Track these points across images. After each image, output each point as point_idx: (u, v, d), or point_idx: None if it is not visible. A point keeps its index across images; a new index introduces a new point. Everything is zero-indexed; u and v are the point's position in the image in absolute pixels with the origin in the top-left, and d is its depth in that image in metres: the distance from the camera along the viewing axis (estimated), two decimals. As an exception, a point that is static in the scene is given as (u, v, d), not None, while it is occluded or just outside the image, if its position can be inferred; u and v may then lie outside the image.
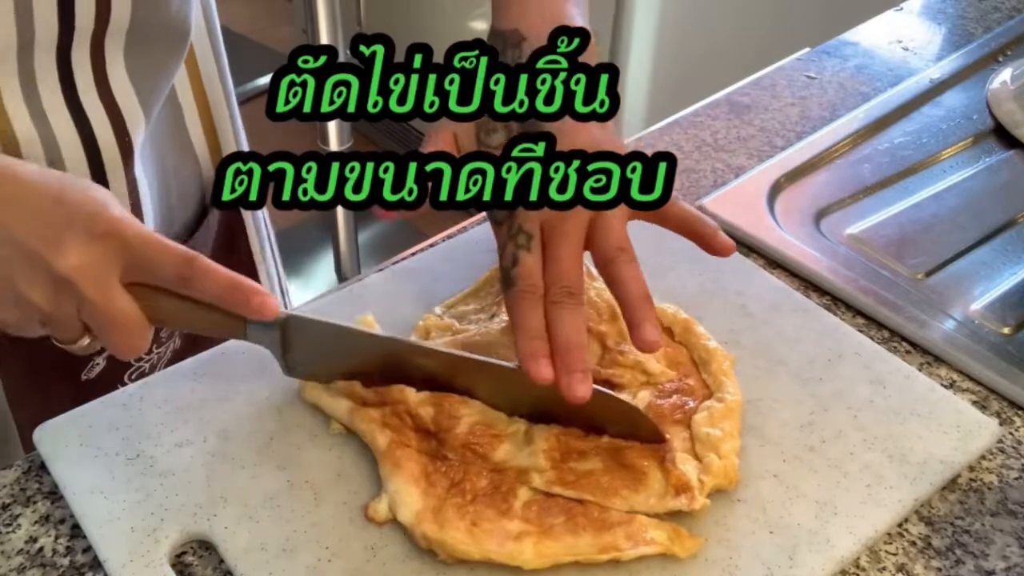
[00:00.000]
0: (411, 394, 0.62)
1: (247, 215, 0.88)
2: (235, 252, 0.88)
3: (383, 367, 0.62)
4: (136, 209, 0.73)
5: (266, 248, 0.93)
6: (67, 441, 0.62)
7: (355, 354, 0.62)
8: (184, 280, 0.54)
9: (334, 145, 2.12)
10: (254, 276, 0.93)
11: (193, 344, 0.86)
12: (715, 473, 0.59)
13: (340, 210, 2.23)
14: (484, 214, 0.84)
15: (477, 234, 0.80)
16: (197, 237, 0.81)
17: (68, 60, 0.65)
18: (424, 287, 0.74)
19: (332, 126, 2.09)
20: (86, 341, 0.56)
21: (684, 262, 0.76)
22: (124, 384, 0.80)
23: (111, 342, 0.55)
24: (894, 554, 0.60)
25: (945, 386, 0.69)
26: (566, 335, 0.58)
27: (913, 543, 0.60)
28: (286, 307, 0.97)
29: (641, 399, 0.63)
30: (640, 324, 0.58)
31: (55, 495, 0.61)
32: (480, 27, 2.29)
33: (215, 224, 0.83)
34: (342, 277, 2.37)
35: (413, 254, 0.79)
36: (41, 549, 0.58)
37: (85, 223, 0.52)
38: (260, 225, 0.92)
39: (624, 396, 0.63)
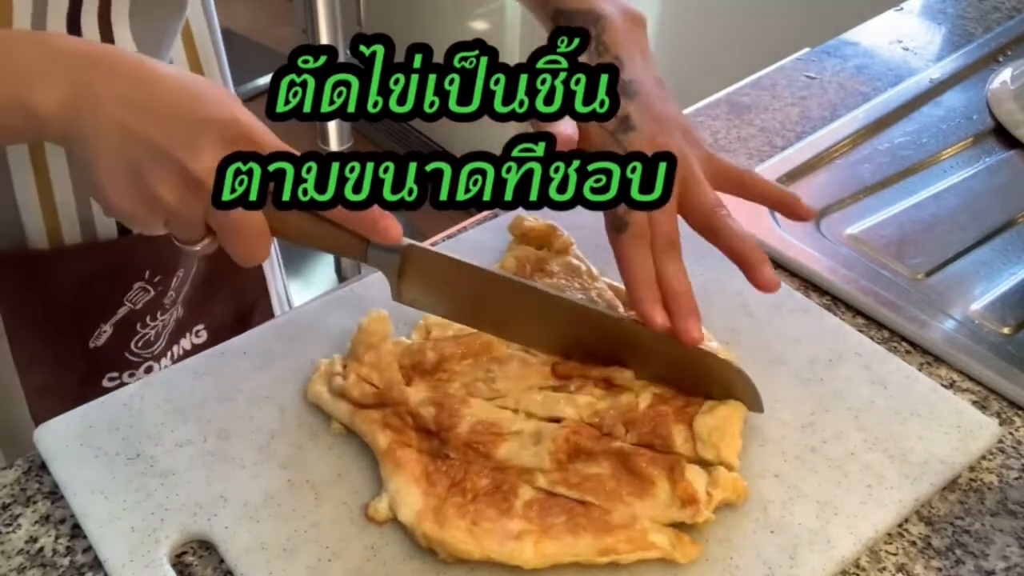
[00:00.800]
0: (412, 394, 0.62)
1: None
2: (233, 263, 0.89)
3: (492, 305, 0.63)
4: None
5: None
6: (67, 441, 0.62)
7: (465, 289, 0.63)
8: None
9: (334, 145, 2.12)
10: (261, 275, 0.93)
11: (196, 313, 0.86)
12: (724, 487, 0.59)
13: (340, 210, 2.23)
14: (484, 214, 0.84)
15: (481, 234, 0.80)
16: None
17: (78, 25, 0.66)
18: (427, 287, 0.73)
19: (332, 126, 2.09)
20: (205, 242, 0.57)
21: (686, 261, 0.76)
22: (131, 351, 0.80)
23: (232, 246, 0.56)
24: (894, 554, 0.60)
25: (945, 386, 0.69)
26: (678, 281, 0.62)
27: (913, 543, 0.60)
28: (289, 306, 0.97)
29: (643, 399, 0.63)
30: (757, 266, 0.63)
31: (55, 495, 0.61)
32: (480, 27, 2.29)
33: None
34: (342, 277, 2.37)
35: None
36: (41, 549, 0.58)
37: (220, 127, 0.52)
38: None
39: (626, 397, 0.63)
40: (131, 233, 0.76)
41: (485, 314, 0.63)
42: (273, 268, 0.95)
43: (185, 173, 0.52)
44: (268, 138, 0.54)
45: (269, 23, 3.22)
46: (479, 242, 0.78)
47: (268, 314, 0.94)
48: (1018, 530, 0.61)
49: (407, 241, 0.59)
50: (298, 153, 0.54)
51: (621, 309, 0.68)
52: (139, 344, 0.81)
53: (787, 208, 0.68)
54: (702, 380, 0.63)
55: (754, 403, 0.64)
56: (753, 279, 0.64)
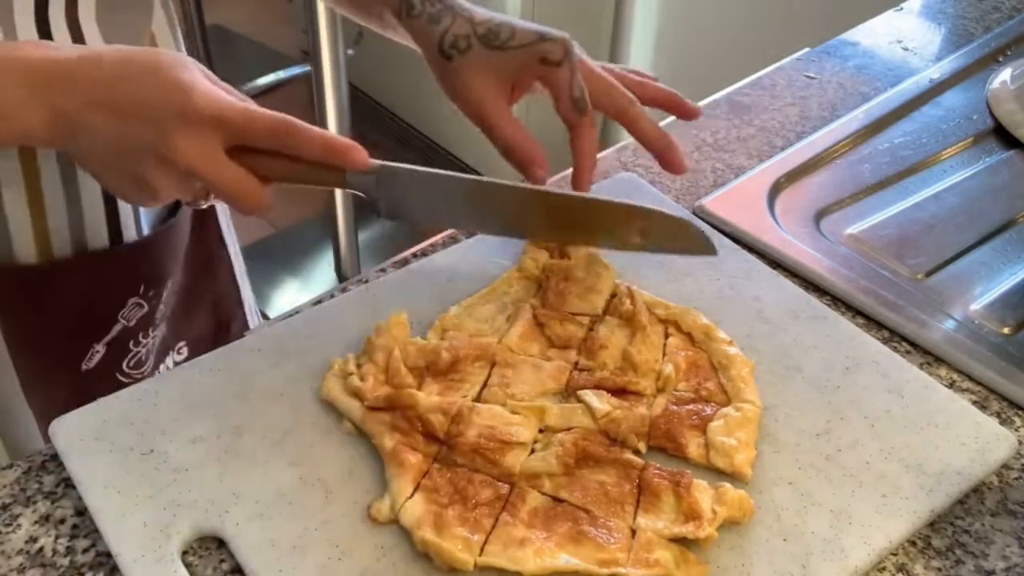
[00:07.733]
0: (422, 399, 0.62)
1: (225, 228, 0.90)
2: (211, 272, 0.90)
3: (469, 207, 0.69)
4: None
5: (238, 266, 0.95)
6: (82, 435, 0.62)
7: (441, 195, 0.68)
8: (281, 145, 0.59)
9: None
10: (236, 287, 0.94)
11: (177, 331, 0.87)
12: (730, 505, 0.58)
13: (340, 210, 2.23)
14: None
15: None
16: (170, 231, 0.82)
17: (47, 23, 0.67)
18: (441, 287, 0.74)
19: (332, 126, 2.08)
20: (211, 200, 0.64)
21: (701, 267, 0.77)
22: (122, 372, 0.80)
23: (232, 204, 0.61)
24: (894, 554, 0.60)
25: (945, 386, 0.69)
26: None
27: (913, 543, 0.61)
28: (259, 317, 0.99)
29: (658, 404, 0.64)
30: (667, 151, 0.73)
31: (55, 495, 0.61)
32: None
33: (186, 227, 0.84)
34: (342, 277, 2.37)
35: (414, 254, 0.79)
36: (41, 549, 0.58)
37: (181, 114, 0.56)
38: (235, 248, 0.93)
39: (642, 408, 0.64)
40: (122, 243, 0.76)
41: (459, 213, 0.70)
42: (243, 281, 0.96)
43: (161, 157, 0.57)
44: (228, 109, 0.57)
45: (269, 23, 3.22)
46: (496, 243, 0.78)
47: (244, 326, 0.97)
48: (1018, 530, 0.62)
49: (379, 163, 0.64)
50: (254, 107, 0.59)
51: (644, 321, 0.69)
52: (131, 364, 0.81)
53: (675, 109, 0.75)
54: (649, 233, 0.70)
55: (706, 247, 0.70)
56: (665, 164, 0.73)
